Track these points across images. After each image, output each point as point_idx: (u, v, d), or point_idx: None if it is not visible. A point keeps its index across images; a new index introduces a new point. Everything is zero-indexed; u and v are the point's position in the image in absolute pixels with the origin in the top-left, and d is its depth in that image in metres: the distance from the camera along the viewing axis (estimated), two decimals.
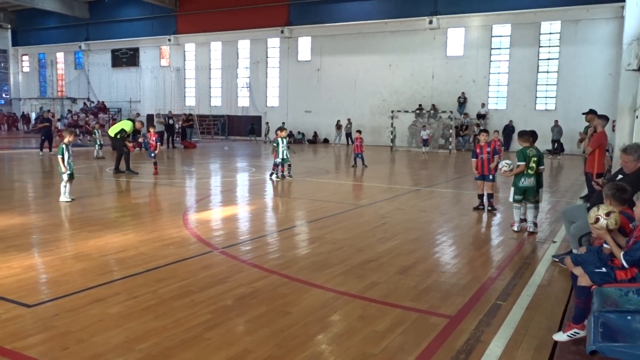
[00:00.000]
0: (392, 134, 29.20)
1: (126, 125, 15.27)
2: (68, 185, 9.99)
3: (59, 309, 4.46)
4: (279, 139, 14.06)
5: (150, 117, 35.85)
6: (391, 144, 29.29)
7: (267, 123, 35.35)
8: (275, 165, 14.10)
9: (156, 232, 7.58)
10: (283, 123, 29.92)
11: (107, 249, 6.57)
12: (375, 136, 31.76)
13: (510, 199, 8.06)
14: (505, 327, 4.31)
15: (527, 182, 7.80)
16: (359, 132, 18.30)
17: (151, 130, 15.65)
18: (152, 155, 14.72)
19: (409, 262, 6.21)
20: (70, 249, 6.51)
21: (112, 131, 15.21)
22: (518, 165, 7.83)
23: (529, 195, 7.88)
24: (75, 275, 5.42)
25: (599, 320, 3.31)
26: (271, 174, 14.13)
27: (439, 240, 7.65)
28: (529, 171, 7.78)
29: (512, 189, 7.99)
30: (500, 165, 8.33)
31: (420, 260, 6.33)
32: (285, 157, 14.00)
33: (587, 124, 10.32)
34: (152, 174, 14.48)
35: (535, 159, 7.79)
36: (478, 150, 9.77)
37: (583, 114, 10.42)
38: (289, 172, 14.21)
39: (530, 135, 8.05)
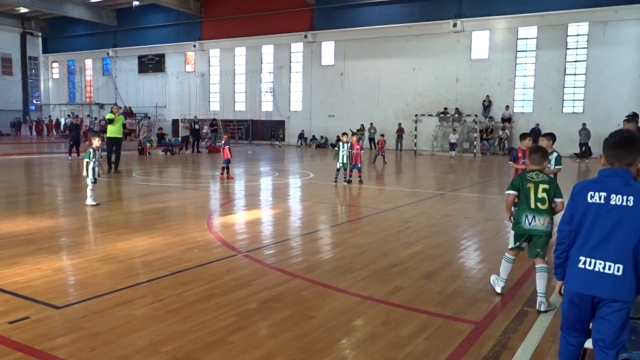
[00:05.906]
0: (415, 137, 29.09)
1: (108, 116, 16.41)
2: (93, 189, 10.19)
3: (87, 311, 4.54)
4: (340, 143, 14.12)
5: (175, 122, 36.38)
6: (414, 148, 29.15)
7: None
8: (338, 169, 14.21)
9: (181, 235, 7.66)
10: (361, 128, 31.19)
11: (134, 251, 6.66)
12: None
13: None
14: (532, 334, 4.24)
15: (535, 222, 4.77)
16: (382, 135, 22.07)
17: (225, 135, 16.07)
18: (227, 162, 14.92)
19: (433, 267, 6.15)
20: (98, 252, 6.62)
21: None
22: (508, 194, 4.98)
23: (537, 245, 4.84)
24: (102, 278, 5.51)
25: (630, 328, 3.23)
26: (335, 179, 14.21)
27: (464, 245, 7.57)
28: (539, 205, 4.75)
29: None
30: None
31: (445, 265, 6.27)
32: (345, 161, 14.01)
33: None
34: (219, 177, 14.98)
35: (545, 186, 4.76)
36: (520, 154, 8.36)
37: (626, 117, 10.03)
38: (360, 178, 14.22)
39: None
